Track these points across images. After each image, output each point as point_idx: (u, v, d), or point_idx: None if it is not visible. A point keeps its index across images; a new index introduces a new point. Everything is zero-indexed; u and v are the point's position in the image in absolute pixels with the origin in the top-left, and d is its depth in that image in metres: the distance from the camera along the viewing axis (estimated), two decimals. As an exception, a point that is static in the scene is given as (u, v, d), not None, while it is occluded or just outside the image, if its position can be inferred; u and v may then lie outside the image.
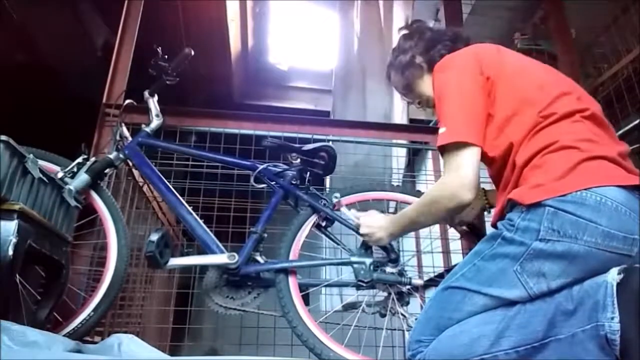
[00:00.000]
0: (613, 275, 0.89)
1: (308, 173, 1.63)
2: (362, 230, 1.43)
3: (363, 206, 1.65)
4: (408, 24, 1.54)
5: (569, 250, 0.96)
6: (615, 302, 0.86)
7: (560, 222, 0.98)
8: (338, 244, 1.59)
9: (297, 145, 1.66)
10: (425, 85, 1.40)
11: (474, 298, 1.05)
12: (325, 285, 1.58)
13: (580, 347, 0.88)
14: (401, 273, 1.46)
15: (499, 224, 1.09)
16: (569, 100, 1.14)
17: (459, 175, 1.13)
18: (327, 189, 2.68)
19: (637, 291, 0.85)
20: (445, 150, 1.16)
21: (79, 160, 1.60)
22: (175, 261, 1.49)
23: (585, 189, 0.98)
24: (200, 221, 1.57)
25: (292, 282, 1.46)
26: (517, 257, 1.01)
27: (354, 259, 1.47)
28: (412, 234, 2.73)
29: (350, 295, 1.63)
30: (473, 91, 1.19)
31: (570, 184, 1.00)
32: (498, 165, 1.18)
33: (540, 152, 1.07)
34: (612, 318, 0.85)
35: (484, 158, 1.19)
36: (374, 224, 1.40)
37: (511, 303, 1.02)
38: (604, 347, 0.86)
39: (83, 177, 1.56)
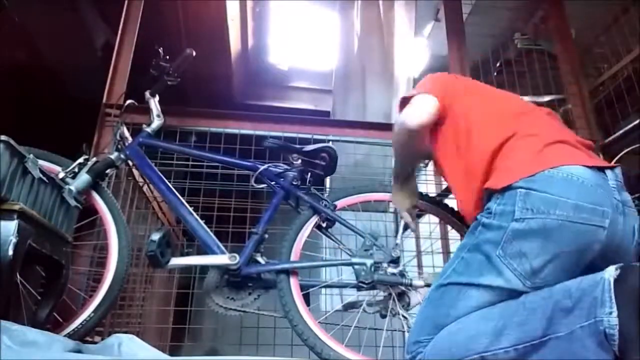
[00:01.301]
0: (610, 272, 0.90)
1: (309, 174, 1.63)
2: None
3: (364, 207, 1.66)
4: None
5: (544, 225, 1.01)
6: (613, 297, 0.86)
7: (532, 201, 1.03)
8: (339, 245, 1.59)
9: (298, 146, 1.66)
10: None
11: (468, 291, 1.07)
12: (326, 286, 1.58)
13: (579, 344, 0.88)
14: (402, 274, 1.46)
15: (477, 216, 1.13)
16: (525, 105, 1.32)
17: (405, 112, 1.30)
18: (328, 189, 2.68)
19: (635, 287, 0.86)
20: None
21: (80, 160, 1.60)
22: (176, 261, 1.49)
23: (552, 168, 1.05)
24: (201, 222, 1.57)
25: (294, 282, 1.46)
26: (497, 242, 1.05)
27: (354, 259, 1.47)
28: (412, 234, 2.73)
29: (351, 295, 1.63)
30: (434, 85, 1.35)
31: (537, 165, 1.07)
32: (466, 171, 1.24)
33: (505, 142, 1.15)
34: (611, 313, 0.86)
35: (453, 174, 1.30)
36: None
37: (508, 297, 1.03)
38: (602, 343, 0.86)
39: (84, 178, 1.55)
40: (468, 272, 1.08)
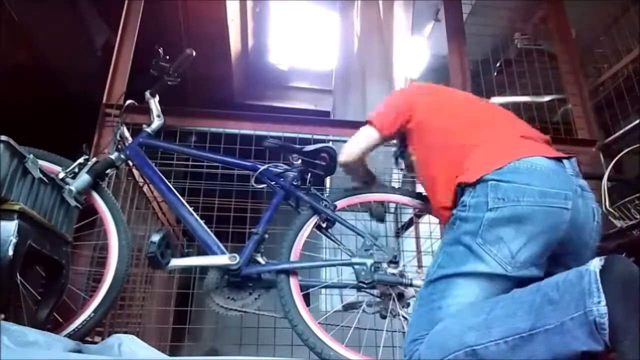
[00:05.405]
0: (595, 263, 0.92)
1: (309, 174, 1.63)
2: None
3: (364, 207, 1.65)
4: None
5: (515, 212, 1.11)
6: (600, 287, 0.88)
7: (502, 191, 1.13)
8: (339, 245, 1.59)
9: (298, 146, 1.66)
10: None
11: (455, 281, 1.12)
12: (327, 286, 1.58)
13: (569, 336, 0.89)
14: (402, 274, 1.46)
15: (454, 211, 1.22)
16: (490, 106, 1.47)
17: (345, 146, 1.53)
18: (328, 189, 2.68)
19: (620, 274, 0.89)
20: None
21: (80, 160, 1.60)
22: (177, 262, 1.49)
23: (516, 160, 1.17)
24: (201, 222, 1.57)
25: (293, 282, 1.46)
26: (476, 231, 1.13)
27: (355, 260, 1.47)
28: (412, 234, 2.74)
29: (351, 295, 1.63)
30: (401, 98, 1.56)
31: (504, 158, 1.18)
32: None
33: (476, 144, 1.28)
34: (599, 302, 0.87)
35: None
36: None
37: (494, 283, 1.09)
38: (593, 332, 0.86)
39: (84, 178, 1.56)
40: (452, 263, 1.14)
